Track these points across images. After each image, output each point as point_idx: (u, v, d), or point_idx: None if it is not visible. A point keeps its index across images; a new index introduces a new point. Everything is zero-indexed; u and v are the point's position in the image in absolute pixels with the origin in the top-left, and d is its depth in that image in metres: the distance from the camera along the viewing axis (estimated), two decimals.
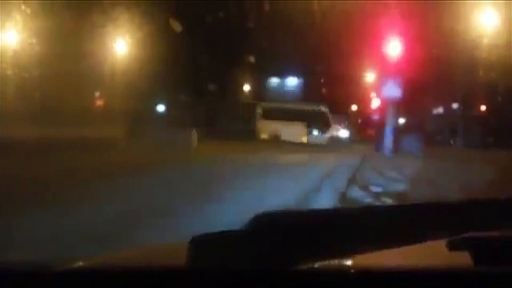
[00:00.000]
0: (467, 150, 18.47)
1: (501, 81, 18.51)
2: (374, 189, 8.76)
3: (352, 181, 9.57)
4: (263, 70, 28.34)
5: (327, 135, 24.35)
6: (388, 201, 7.85)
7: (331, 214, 1.02)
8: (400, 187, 9.08)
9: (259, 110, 24.49)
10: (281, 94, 30.06)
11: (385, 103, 17.99)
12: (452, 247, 0.98)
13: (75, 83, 15.84)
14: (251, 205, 6.31)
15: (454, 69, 19.90)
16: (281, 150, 16.01)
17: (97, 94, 19.53)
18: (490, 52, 17.96)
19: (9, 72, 14.34)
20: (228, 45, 22.29)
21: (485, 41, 18.22)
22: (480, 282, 0.92)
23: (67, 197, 6.35)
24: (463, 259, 0.97)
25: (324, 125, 24.50)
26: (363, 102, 30.70)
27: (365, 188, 8.85)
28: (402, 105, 19.33)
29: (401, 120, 22.35)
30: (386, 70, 17.04)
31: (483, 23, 18.35)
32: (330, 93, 27.84)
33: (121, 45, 18.60)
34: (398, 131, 18.25)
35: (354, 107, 33.58)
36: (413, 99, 19.88)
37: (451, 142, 21.59)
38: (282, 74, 30.94)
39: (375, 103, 25.70)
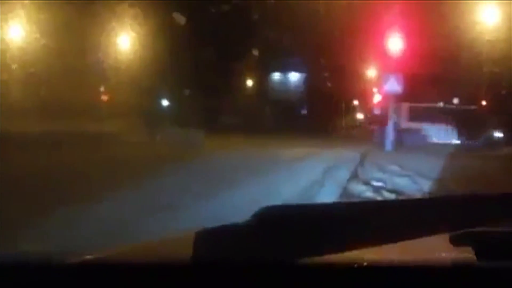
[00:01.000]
0: (469, 145, 18.50)
1: (503, 76, 18.54)
2: (376, 183, 8.86)
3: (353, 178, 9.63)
4: (266, 67, 28.40)
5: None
6: (390, 195, 7.95)
7: (335, 208, 1.02)
8: (402, 181, 9.17)
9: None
10: (284, 89, 30.16)
11: (386, 98, 18.05)
12: (454, 241, 0.97)
13: (80, 78, 15.93)
14: None
15: (455, 64, 19.91)
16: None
17: (101, 89, 19.58)
18: (492, 47, 17.98)
19: (14, 67, 14.42)
20: (231, 41, 22.33)
21: (487, 36, 18.23)
22: (482, 277, 0.93)
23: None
24: (465, 253, 0.96)
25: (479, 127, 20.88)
26: (365, 97, 30.74)
27: (366, 182, 8.95)
28: (404, 100, 19.38)
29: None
30: (387, 65, 17.08)
31: (485, 18, 18.35)
32: (332, 89, 27.91)
33: (126, 40, 18.65)
34: (400, 126, 18.32)
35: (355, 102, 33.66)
36: (415, 94, 19.90)
37: (453, 137, 21.62)
38: (284, 70, 30.97)
39: (377, 98, 25.74)
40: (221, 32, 21.36)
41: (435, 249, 1.06)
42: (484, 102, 23.91)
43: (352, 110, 35.93)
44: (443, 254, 1.02)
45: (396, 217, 0.92)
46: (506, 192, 1.00)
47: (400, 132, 17.57)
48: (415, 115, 20.42)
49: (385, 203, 1.23)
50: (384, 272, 0.94)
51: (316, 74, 28.57)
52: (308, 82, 30.73)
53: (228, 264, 0.86)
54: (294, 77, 31.71)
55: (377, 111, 22.81)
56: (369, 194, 8.06)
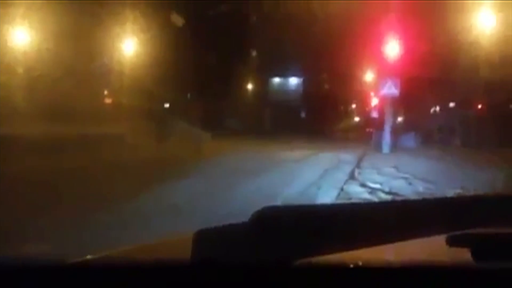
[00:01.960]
0: (465, 149, 18.69)
1: (499, 80, 18.72)
2: (372, 185, 8.99)
3: (350, 179, 9.80)
4: (265, 71, 28.64)
5: None
6: (386, 197, 8.10)
7: (332, 209, 1.02)
8: (398, 183, 9.31)
9: None
10: (284, 93, 30.37)
11: (384, 101, 18.24)
12: (452, 243, 0.96)
13: (83, 82, 16.08)
14: None
15: (452, 68, 20.11)
16: None
17: (105, 92, 19.74)
18: (488, 51, 18.17)
19: (18, 71, 14.57)
20: (232, 46, 22.53)
21: (483, 40, 18.43)
22: (480, 278, 0.92)
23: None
24: (463, 255, 0.95)
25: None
26: (363, 100, 30.94)
27: (363, 185, 9.09)
28: (400, 104, 19.58)
29: (400, 118, 22.62)
30: (384, 69, 17.26)
31: (481, 22, 18.56)
32: (330, 92, 28.13)
33: (128, 44, 18.83)
34: (397, 129, 18.50)
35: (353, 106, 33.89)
36: (411, 98, 20.09)
37: (450, 140, 21.81)
38: (283, 74, 31.19)
39: (374, 101, 25.94)
40: (222, 38, 21.56)
41: (433, 250, 1.04)
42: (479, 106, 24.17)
43: (350, 113, 36.29)
44: (441, 256, 1.00)
45: (393, 218, 0.92)
46: (504, 193, 1.02)
47: (396, 135, 17.77)
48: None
49: (382, 204, 1.21)
50: (381, 274, 0.94)
51: (314, 78, 28.80)
52: (307, 86, 30.97)
53: (226, 265, 0.86)
54: (293, 81, 31.94)
55: (374, 114, 23.01)
56: (366, 196, 8.18)
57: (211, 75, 22.00)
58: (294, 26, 21.10)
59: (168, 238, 1.29)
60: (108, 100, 19.99)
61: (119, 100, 19.20)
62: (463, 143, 21.04)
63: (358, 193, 8.35)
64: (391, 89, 16.82)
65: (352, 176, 10.09)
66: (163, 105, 22.77)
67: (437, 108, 27.12)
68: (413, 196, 8.11)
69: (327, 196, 7.96)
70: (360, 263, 0.94)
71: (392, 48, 16.69)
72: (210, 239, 0.87)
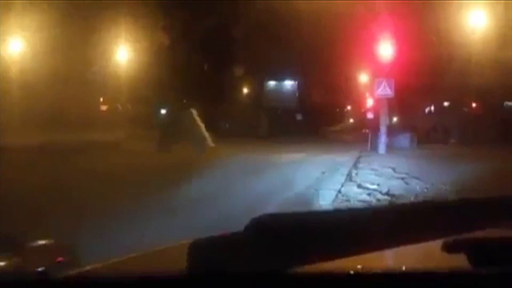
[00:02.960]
0: (461, 147, 18.79)
1: (493, 78, 18.84)
2: (370, 186, 9.03)
3: (348, 181, 9.85)
4: (260, 74, 28.70)
5: None
6: (383, 198, 8.15)
7: (329, 216, 1.02)
8: (395, 184, 9.36)
9: None
10: (279, 96, 30.44)
11: (379, 102, 18.30)
12: (449, 248, 0.95)
13: (80, 89, 16.11)
14: None
15: (446, 68, 20.24)
16: None
17: (101, 99, 19.78)
18: (482, 50, 18.30)
19: (14, 80, 14.58)
20: (226, 51, 22.59)
21: (476, 40, 18.57)
22: (478, 284, 0.91)
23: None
24: (460, 260, 0.94)
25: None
26: (358, 102, 31.04)
27: (360, 186, 9.13)
28: (395, 104, 19.65)
29: (395, 119, 22.69)
30: (379, 70, 17.33)
31: (473, 23, 18.71)
32: (325, 95, 28.21)
33: (123, 51, 18.88)
34: (392, 129, 18.56)
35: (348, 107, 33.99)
36: (406, 98, 20.19)
37: (445, 139, 21.92)
38: (278, 78, 31.27)
39: (369, 102, 26.03)
40: (216, 43, 21.63)
41: (430, 255, 1.02)
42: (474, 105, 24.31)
43: (346, 115, 36.37)
44: (438, 261, 0.97)
45: (390, 223, 0.92)
46: (502, 195, 0.98)
47: (392, 136, 17.83)
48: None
49: (379, 209, 1.21)
50: (379, 279, 0.93)
51: (309, 81, 28.88)
52: (301, 89, 31.06)
53: (223, 274, 0.85)
54: (288, 84, 32.03)
55: (370, 116, 23.10)
56: (364, 197, 8.23)
57: (206, 80, 22.06)
58: (288, 28, 21.19)
59: (164, 247, 1.27)
60: (103, 107, 20.01)
61: (115, 106, 19.23)
62: (458, 142, 21.15)
63: (356, 194, 8.39)
64: (385, 90, 16.87)
65: (349, 178, 10.13)
66: (160, 111, 22.79)
67: (432, 108, 27.24)
68: (410, 196, 8.17)
69: (324, 198, 8.00)
70: (359, 270, 0.92)
71: (386, 49, 16.76)
72: (207, 248, 0.86)
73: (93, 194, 7.17)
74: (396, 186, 9.12)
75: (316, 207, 7.29)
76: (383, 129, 17.16)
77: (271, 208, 6.77)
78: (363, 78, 27.07)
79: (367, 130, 21.18)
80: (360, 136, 22.83)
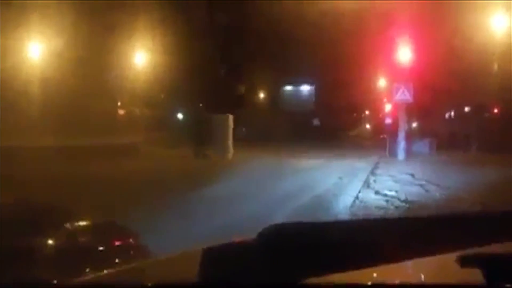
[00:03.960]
0: (481, 154, 18.45)
1: None
2: (388, 193, 8.90)
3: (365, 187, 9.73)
4: (277, 79, 28.68)
5: None
6: (401, 204, 8.00)
7: (341, 226, 1.01)
8: (414, 190, 9.20)
9: None
10: (296, 101, 30.37)
11: (397, 108, 18.10)
12: (464, 262, 0.92)
13: (98, 93, 16.30)
14: None
15: (466, 72, 19.93)
16: None
17: (118, 103, 20.01)
18: (503, 54, 17.98)
19: (34, 85, 14.81)
20: (243, 56, 22.65)
21: (498, 44, 18.25)
22: None
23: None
24: (475, 274, 0.91)
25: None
26: (376, 107, 30.77)
27: (378, 192, 9.00)
28: (414, 110, 19.41)
29: (414, 124, 22.42)
30: (397, 75, 17.16)
31: (495, 27, 18.38)
32: (343, 99, 28.03)
33: (141, 56, 19.09)
34: (411, 135, 18.35)
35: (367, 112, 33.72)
36: (425, 103, 19.93)
37: (465, 145, 21.56)
38: (295, 82, 31.21)
39: (387, 107, 25.78)
40: (233, 48, 21.69)
41: (444, 269, 1.00)
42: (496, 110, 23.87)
43: (363, 120, 36.05)
44: (452, 275, 0.95)
45: (405, 235, 0.91)
46: None
47: (411, 141, 17.62)
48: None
49: (394, 221, 1.19)
50: None
51: (326, 85, 28.73)
52: (319, 94, 30.92)
53: (233, 283, 0.84)
54: (305, 89, 31.94)
55: (388, 121, 22.87)
56: (380, 203, 8.10)
57: (223, 84, 22.10)
58: (306, 33, 21.12)
59: (176, 255, 1.27)
60: (121, 111, 20.21)
61: (133, 110, 19.40)
62: (479, 148, 20.78)
63: (374, 200, 8.27)
64: (404, 95, 16.69)
65: (367, 184, 10.00)
66: (177, 116, 22.89)
67: (452, 113, 26.85)
68: (429, 204, 8.01)
69: (342, 204, 7.90)
70: (371, 282, 0.91)
71: (405, 53, 16.59)
72: (218, 257, 0.85)
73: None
74: (414, 193, 9.00)
75: (332, 214, 7.20)
76: (401, 135, 16.97)
77: (288, 212, 6.76)
78: (381, 82, 26.83)
79: (385, 136, 20.96)
80: (378, 141, 22.64)
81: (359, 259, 0.87)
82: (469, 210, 5.99)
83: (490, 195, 7.95)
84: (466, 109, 25.51)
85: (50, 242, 1.54)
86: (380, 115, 29.25)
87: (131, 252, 1.70)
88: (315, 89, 31.43)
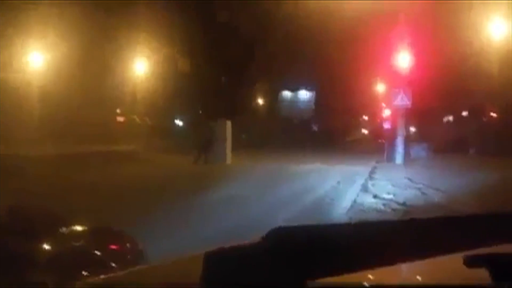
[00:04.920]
0: (479, 157, 18.47)
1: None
2: (386, 196, 8.91)
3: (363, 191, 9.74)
4: (275, 84, 28.74)
5: None
6: (399, 208, 8.02)
7: (345, 228, 1.01)
8: (412, 194, 9.21)
9: None
10: (294, 107, 30.43)
11: (396, 112, 18.13)
12: (466, 262, 0.90)
13: (97, 101, 16.34)
14: None
15: (464, 77, 19.98)
16: None
17: (118, 111, 20.05)
18: (502, 60, 18.03)
19: (34, 91, 14.86)
20: (241, 61, 22.71)
21: (496, 48, 18.31)
22: None
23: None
24: (478, 274, 0.90)
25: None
26: (374, 112, 30.84)
27: (376, 196, 9.01)
28: (412, 114, 19.44)
29: (412, 129, 22.45)
30: (396, 80, 17.19)
31: (493, 30, 18.45)
32: (341, 104, 28.09)
33: (140, 64, 19.14)
34: (409, 140, 18.36)
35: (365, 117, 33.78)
36: (423, 108, 19.97)
37: (464, 149, 21.57)
38: (293, 88, 31.28)
39: (386, 113, 25.84)
40: (231, 54, 21.74)
41: (449, 270, 0.99)
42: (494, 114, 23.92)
43: (362, 125, 36.11)
44: (457, 276, 0.94)
45: (407, 237, 0.91)
46: None
47: (409, 146, 17.63)
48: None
49: (396, 223, 1.20)
50: None
51: (325, 91, 28.80)
52: (317, 99, 31.00)
53: (235, 286, 0.84)
54: (304, 94, 32.00)
55: (386, 126, 22.91)
56: (378, 206, 8.12)
57: (223, 91, 22.15)
58: (305, 39, 21.20)
59: (179, 259, 1.25)
60: (120, 119, 20.24)
61: (132, 118, 19.44)
62: (477, 152, 20.79)
63: (372, 204, 8.28)
64: (403, 100, 16.71)
65: (365, 188, 10.02)
66: (176, 122, 22.92)
67: (451, 118, 26.90)
68: (427, 207, 8.02)
69: (340, 208, 7.92)
70: (373, 284, 0.91)
71: (403, 58, 16.63)
72: (221, 260, 0.85)
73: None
74: (412, 196, 9.00)
75: (330, 217, 7.22)
76: (399, 139, 16.98)
77: (287, 216, 6.78)
78: (380, 88, 26.89)
79: (383, 140, 20.99)
80: (376, 146, 22.65)
81: (362, 261, 0.87)
82: (469, 211, 5.99)
83: (489, 198, 7.96)
84: (464, 113, 25.58)
85: (46, 247, 1.56)
86: (379, 120, 29.29)
87: (128, 257, 1.72)
88: (314, 94, 31.51)
